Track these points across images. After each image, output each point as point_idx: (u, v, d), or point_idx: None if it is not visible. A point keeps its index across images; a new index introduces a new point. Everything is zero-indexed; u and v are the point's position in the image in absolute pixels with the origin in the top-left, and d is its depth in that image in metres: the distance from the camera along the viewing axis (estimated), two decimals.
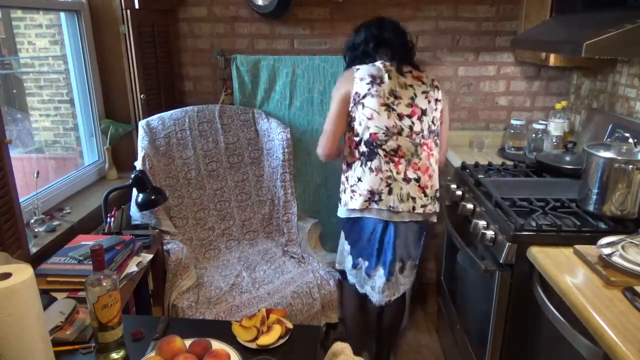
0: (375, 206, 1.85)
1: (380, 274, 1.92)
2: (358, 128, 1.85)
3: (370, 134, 1.82)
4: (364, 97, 1.82)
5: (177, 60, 2.74)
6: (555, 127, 2.35)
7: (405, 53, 1.92)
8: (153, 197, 1.92)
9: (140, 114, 2.41)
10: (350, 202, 1.89)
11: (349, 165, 1.93)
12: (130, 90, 2.40)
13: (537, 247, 1.44)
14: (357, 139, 1.86)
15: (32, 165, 2.58)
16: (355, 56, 1.96)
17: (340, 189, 1.98)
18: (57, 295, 1.38)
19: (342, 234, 2.05)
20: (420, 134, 1.85)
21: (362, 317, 2.18)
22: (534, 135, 2.45)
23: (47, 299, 1.33)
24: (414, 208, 1.86)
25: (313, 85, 2.62)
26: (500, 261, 1.52)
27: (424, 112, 1.85)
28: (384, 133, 1.81)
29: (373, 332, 2.28)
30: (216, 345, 1.16)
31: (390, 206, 1.84)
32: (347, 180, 1.94)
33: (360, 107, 1.83)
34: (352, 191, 1.89)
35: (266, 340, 1.21)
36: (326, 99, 2.57)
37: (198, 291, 2.04)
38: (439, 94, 1.91)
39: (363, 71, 1.86)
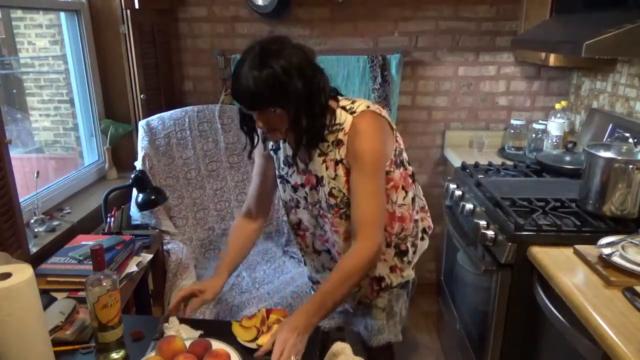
0: None
1: None
2: None
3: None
4: None
5: (177, 60, 2.74)
6: (555, 127, 2.35)
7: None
8: (153, 197, 1.92)
9: (140, 114, 2.41)
10: None
11: None
12: (130, 90, 2.40)
13: (537, 247, 1.44)
14: None
15: (32, 165, 2.58)
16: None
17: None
18: (57, 295, 1.38)
19: None
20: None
21: None
22: (534, 135, 2.45)
23: (47, 299, 1.33)
24: None
25: None
26: (501, 261, 1.52)
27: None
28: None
29: None
30: (216, 345, 1.16)
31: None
32: None
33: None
34: None
35: (266, 340, 1.20)
36: None
37: None
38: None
39: None
